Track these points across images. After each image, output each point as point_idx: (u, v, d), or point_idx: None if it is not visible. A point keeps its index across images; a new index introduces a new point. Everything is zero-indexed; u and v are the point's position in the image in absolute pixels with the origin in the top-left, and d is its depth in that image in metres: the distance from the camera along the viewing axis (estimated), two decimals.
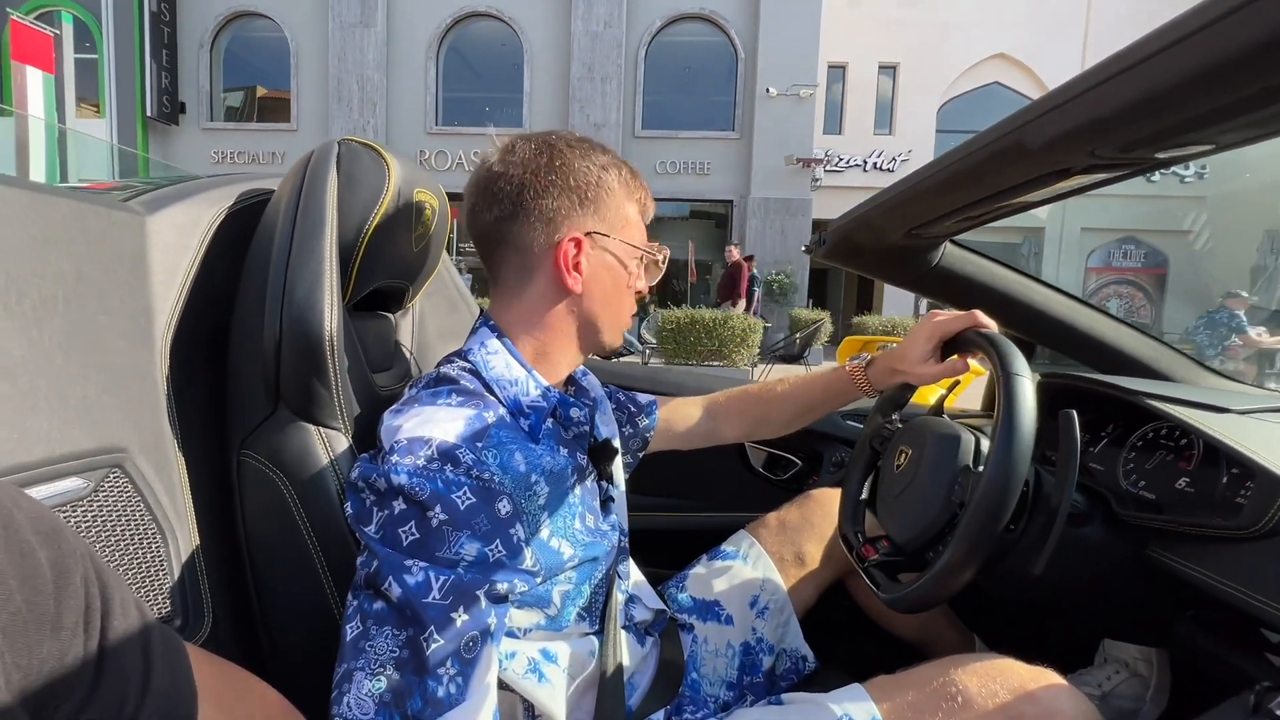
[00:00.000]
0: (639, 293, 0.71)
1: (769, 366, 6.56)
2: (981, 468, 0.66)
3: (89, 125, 10.83)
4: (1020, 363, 0.66)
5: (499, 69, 12.01)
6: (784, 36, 11.13)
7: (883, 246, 0.96)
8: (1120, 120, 0.47)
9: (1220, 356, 6.41)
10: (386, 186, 0.71)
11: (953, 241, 0.97)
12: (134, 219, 0.60)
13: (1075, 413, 0.66)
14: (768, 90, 11.12)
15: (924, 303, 13.73)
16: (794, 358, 6.62)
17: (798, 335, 6.80)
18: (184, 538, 0.58)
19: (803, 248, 1.14)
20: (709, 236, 12.53)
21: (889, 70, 13.90)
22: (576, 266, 0.64)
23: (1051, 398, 0.96)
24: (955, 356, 0.79)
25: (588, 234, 0.64)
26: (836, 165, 13.87)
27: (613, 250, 0.66)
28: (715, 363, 6.69)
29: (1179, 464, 0.78)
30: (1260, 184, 12.12)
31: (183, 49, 12.04)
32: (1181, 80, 0.40)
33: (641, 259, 0.69)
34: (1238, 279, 12.05)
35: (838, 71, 13.94)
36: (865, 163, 13.86)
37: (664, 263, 0.72)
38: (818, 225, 12.39)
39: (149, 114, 11.62)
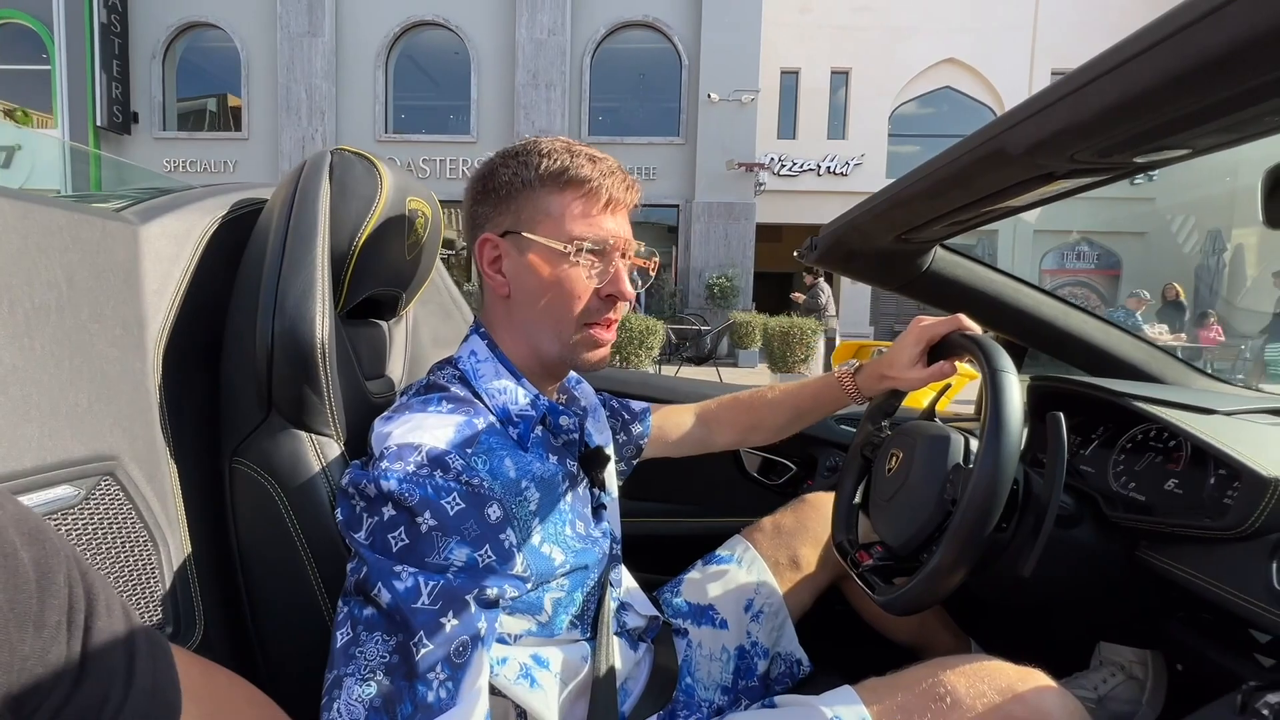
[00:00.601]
0: (610, 295, 0.65)
1: (676, 368, 6.60)
2: (972, 465, 0.67)
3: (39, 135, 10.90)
4: (1005, 360, 0.67)
5: (448, 77, 12.11)
6: (725, 43, 11.24)
7: (873, 251, 0.96)
8: (1096, 126, 0.47)
9: None
10: (379, 195, 0.71)
11: (943, 246, 0.98)
12: (127, 228, 0.61)
13: (1062, 415, 0.66)
14: (709, 96, 11.22)
15: (894, 306, 13.73)
16: (702, 359, 6.67)
17: (708, 336, 6.85)
18: (175, 545, 0.58)
19: (795, 253, 1.14)
20: (661, 239, 12.61)
21: (841, 75, 14.04)
22: (499, 270, 0.64)
23: (1041, 400, 1.00)
24: (942, 360, 0.80)
25: (503, 234, 0.63)
26: (790, 170, 13.99)
27: (533, 250, 0.63)
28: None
29: (1168, 465, 0.78)
30: (1205, 184, 12.22)
31: (134, 59, 12.13)
32: (1153, 86, 0.41)
33: (577, 255, 0.62)
34: (1185, 279, 12.16)
35: (791, 77, 14.08)
36: (819, 167, 13.97)
37: (624, 254, 0.66)
38: (761, 229, 12.49)
39: (100, 124, 11.70)
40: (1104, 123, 0.46)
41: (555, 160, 0.62)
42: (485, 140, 11.96)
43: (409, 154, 11.96)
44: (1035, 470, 0.72)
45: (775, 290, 17.59)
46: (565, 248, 0.62)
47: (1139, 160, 0.54)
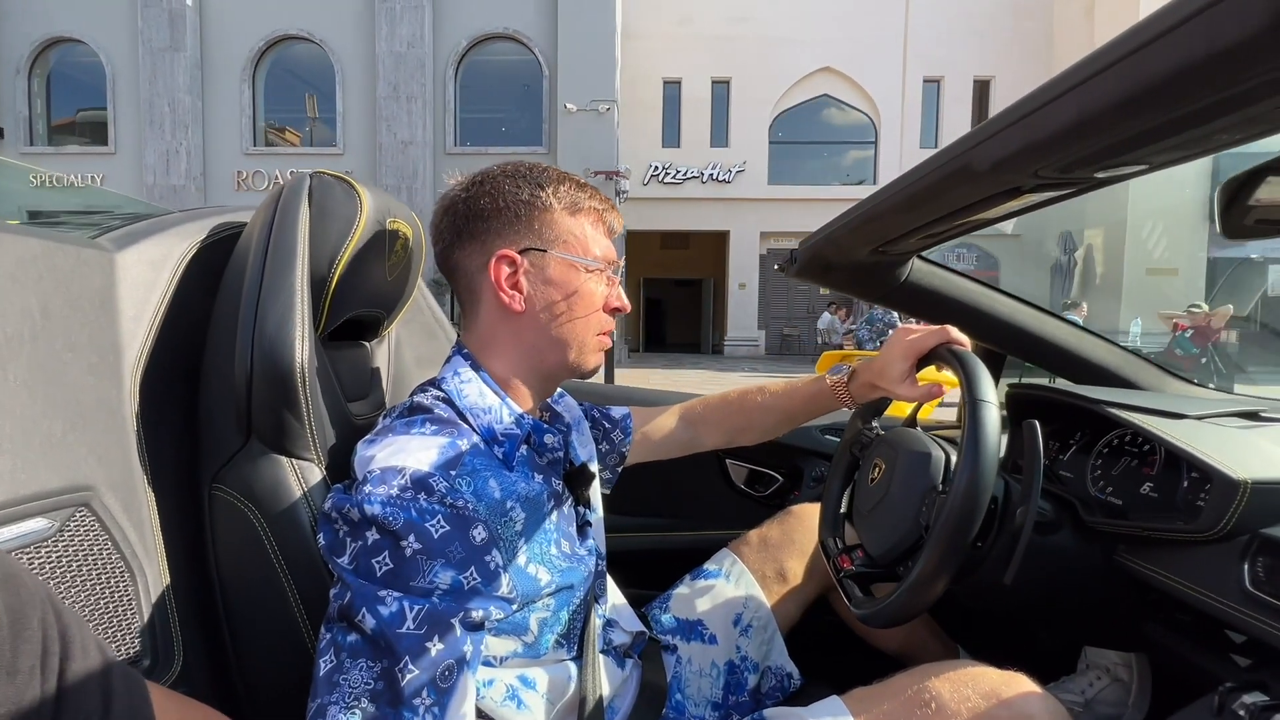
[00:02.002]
0: (613, 309, 0.70)
1: None
2: (946, 492, 0.67)
3: None
4: (987, 389, 0.67)
5: (314, 90, 12.18)
6: (581, 54, 11.45)
7: (851, 263, 0.97)
8: (1055, 144, 0.48)
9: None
10: (359, 217, 0.71)
11: (920, 257, 0.99)
12: (102, 255, 0.60)
13: (1038, 423, 0.67)
14: (566, 106, 11.39)
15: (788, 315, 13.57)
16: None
17: None
18: (153, 575, 0.57)
19: (775, 266, 1.14)
20: None
21: (722, 85, 14.32)
22: (514, 285, 0.64)
23: (1019, 407, 1.01)
24: (933, 373, 0.81)
25: (522, 251, 0.64)
26: (675, 178, 14.22)
27: (554, 267, 0.65)
28: None
29: (1143, 470, 0.79)
30: None
31: None
32: (1106, 108, 0.42)
33: (595, 274, 0.67)
34: (1046, 276, 12.49)
35: (673, 87, 14.34)
36: (703, 174, 14.22)
37: (616, 274, 0.71)
38: (629, 236, 12.65)
39: None
40: (1062, 141, 0.48)
41: (569, 188, 0.66)
42: (351, 152, 12.03)
43: (277, 166, 11.99)
44: (1013, 477, 0.72)
45: (687, 298, 17.80)
46: (591, 265, 0.66)
47: (1100, 175, 0.55)
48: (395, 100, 11.57)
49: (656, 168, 14.19)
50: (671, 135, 14.39)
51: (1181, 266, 11.52)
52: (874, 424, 0.91)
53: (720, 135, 14.39)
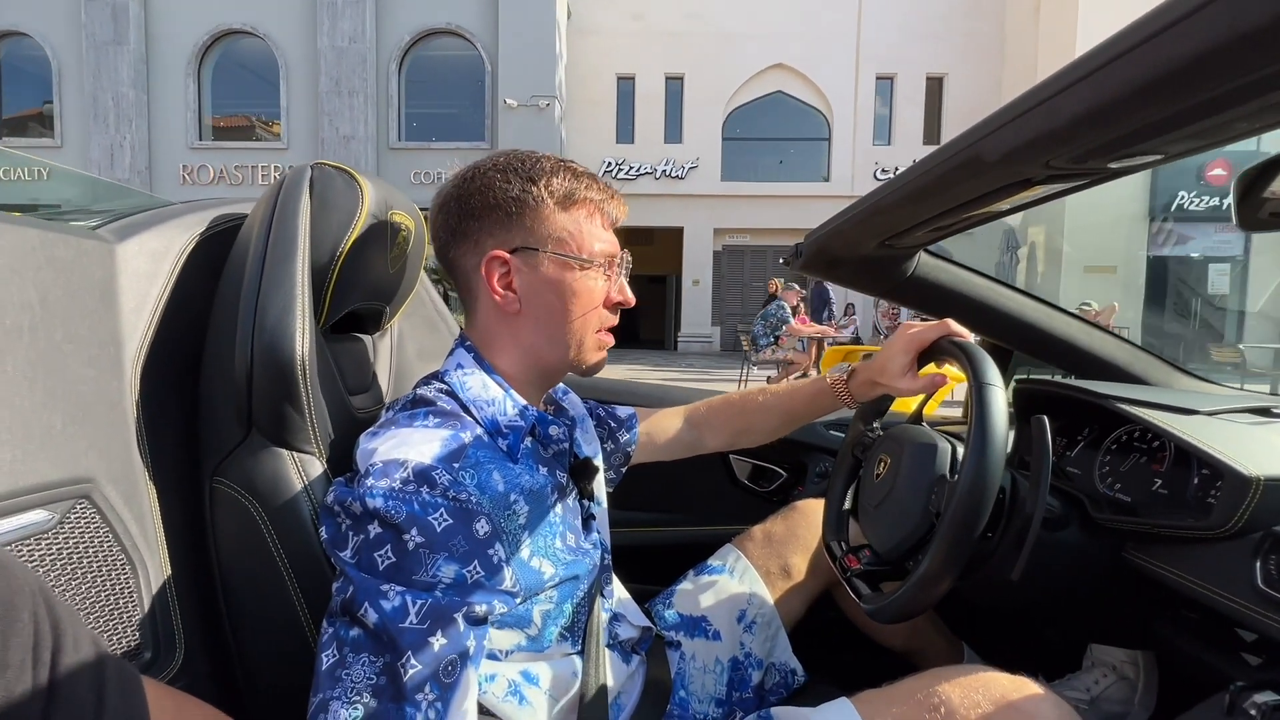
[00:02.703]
0: (617, 303, 0.69)
1: None
2: (956, 477, 0.66)
3: None
4: (992, 372, 0.66)
5: (259, 84, 12.20)
6: (522, 50, 11.47)
7: (857, 257, 0.96)
8: (1069, 133, 0.47)
9: (772, 345, 6.75)
10: (360, 209, 0.70)
11: (926, 251, 0.98)
12: (103, 247, 0.60)
13: (1046, 418, 0.66)
14: (506, 101, 11.41)
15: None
16: None
17: None
18: (154, 568, 0.57)
19: (780, 259, 1.14)
20: None
21: (676, 81, 14.31)
22: (508, 286, 0.63)
23: (1027, 403, 1.00)
24: (934, 369, 0.80)
25: (514, 250, 0.63)
26: (629, 174, 14.22)
27: (547, 266, 0.63)
28: None
29: (1152, 466, 0.78)
30: None
31: None
32: (1121, 95, 0.41)
33: (592, 270, 0.65)
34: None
35: (627, 83, 14.33)
36: (656, 170, 14.23)
37: (620, 266, 0.69)
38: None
39: None
40: (1076, 130, 0.47)
41: (564, 180, 0.64)
42: (296, 147, 12.05)
43: (221, 161, 12.02)
44: (1021, 473, 0.72)
45: (658, 294, 17.84)
46: (586, 262, 0.64)
47: (1113, 165, 0.54)
48: (337, 95, 11.60)
49: (610, 163, 14.19)
50: (625, 131, 14.38)
51: (1120, 264, 11.56)
52: (875, 425, 0.90)
53: (674, 131, 14.38)
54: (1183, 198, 11.65)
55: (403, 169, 11.87)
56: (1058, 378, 1.03)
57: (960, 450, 0.74)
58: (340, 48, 11.54)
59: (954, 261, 1.01)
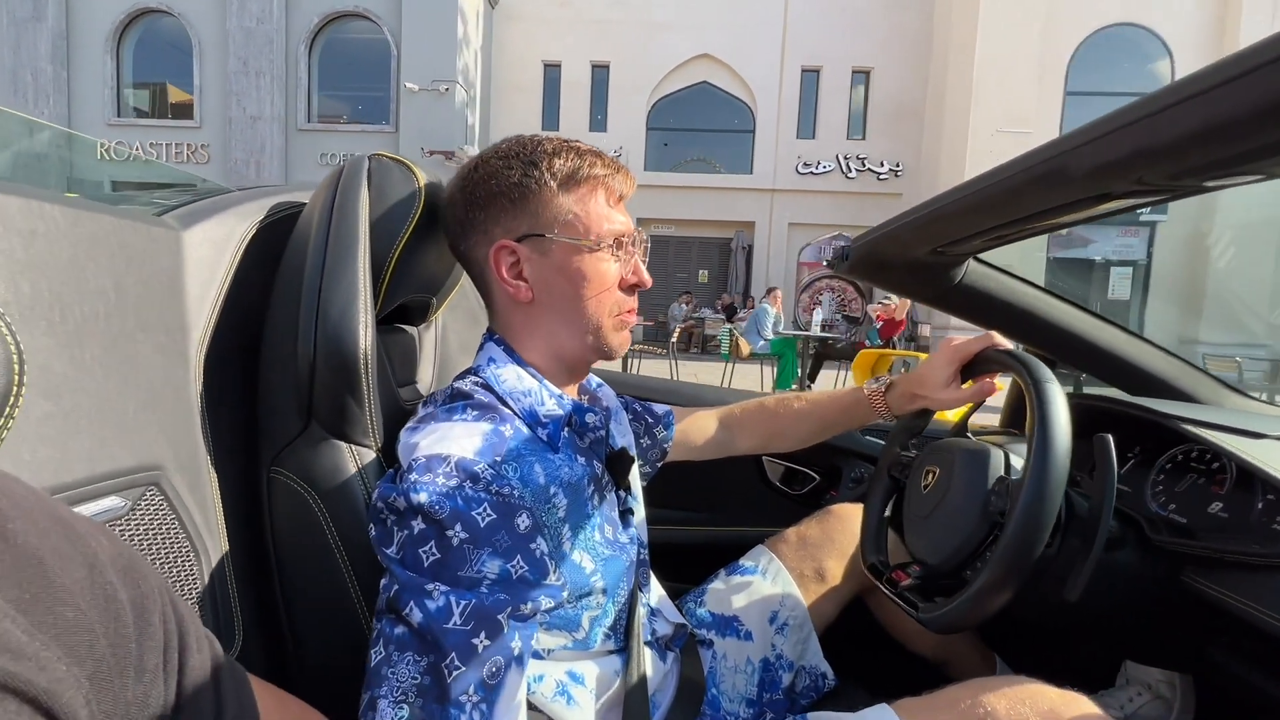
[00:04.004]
0: (634, 285, 0.67)
1: None
2: (1016, 477, 0.65)
3: None
4: (1047, 371, 0.66)
5: (174, 63, 12.42)
6: (423, 34, 11.56)
7: (906, 262, 0.95)
8: (1173, 150, 0.46)
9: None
10: (417, 201, 0.70)
11: (976, 259, 0.96)
12: (170, 234, 0.60)
13: (1110, 437, 0.66)
14: (406, 85, 11.53)
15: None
16: None
17: None
18: (216, 555, 0.58)
19: (825, 262, 1.30)
20: None
21: (602, 69, 14.32)
22: (519, 275, 0.63)
23: (1079, 419, 0.97)
24: (983, 379, 0.79)
25: (520, 238, 0.62)
26: None
27: (556, 251, 0.63)
28: None
29: (1211, 488, 0.76)
30: (947, 178, 12.48)
31: None
32: (1240, 116, 0.40)
33: (603, 251, 0.64)
34: None
35: (554, 70, 14.37)
36: None
37: (635, 245, 0.67)
38: None
39: None
40: (1182, 148, 0.45)
41: (566, 159, 0.62)
42: (208, 125, 12.27)
43: (137, 138, 12.28)
44: (1074, 490, 0.71)
45: None
46: (593, 245, 0.63)
47: (1209, 184, 0.53)
48: (245, 75, 11.78)
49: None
50: (551, 118, 14.42)
51: (1017, 265, 11.35)
52: (911, 445, 0.89)
53: (599, 120, 14.41)
54: None
55: (310, 150, 12.07)
56: (1108, 395, 1.01)
57: (1014, 457, 0.73)
58: (248, 28, 11.71)
59: (1001, 269, 0.98)
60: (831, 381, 6.91)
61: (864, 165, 13.70)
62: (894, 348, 6.51)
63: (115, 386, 0.51)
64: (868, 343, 6.68)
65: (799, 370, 6.60)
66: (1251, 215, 10.78)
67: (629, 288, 0.67)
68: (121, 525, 0.50)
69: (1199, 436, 0.77)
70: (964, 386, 0.80)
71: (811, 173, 13.85)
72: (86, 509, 0.47)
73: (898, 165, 13.59)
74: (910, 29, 13.46)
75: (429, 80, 11.50)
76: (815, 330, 7.21)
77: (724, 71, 14.14)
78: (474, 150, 12.25)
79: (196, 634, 0.32)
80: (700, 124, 14.52)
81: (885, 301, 6.72)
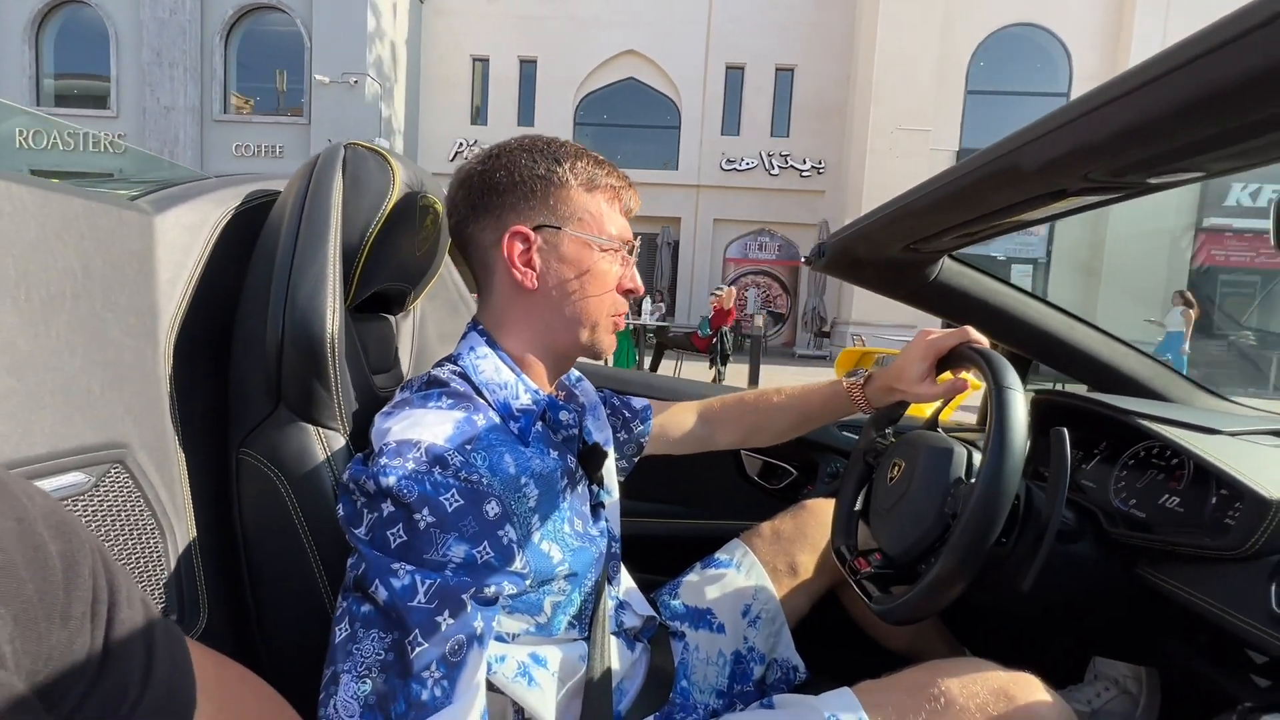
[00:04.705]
0: (626, 291, 0.70)
1: None
2: (973, 480, 0.67)
3: None
4: (1012, 376, 0.67)
5: (92, 53, 12.53)
6: (334, 27, 11.69)
7: (881, 260, 0.96)
8: (1110, 147, 0.47)
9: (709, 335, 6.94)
10: (391, 190, 0.71)
11: (950, 256, 0.97)
12: (142, 218, 0.61)
13: (1066, 430, 0.67)
14: (317, 77, 11.65)
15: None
16: None
17: None
18: (182, 534, 0.59)
19: (802, 259, 1.34)
20: None
21: (530, 64, 14.42)
22: (528, 262, 0.64)
23: (1044, 415, 1.00)
24: (953, 375, 0.80)
25: (536, 227, 0.63)
26: None
27: (567, 244, 0.64)
28: None
29: (1169, 483, 0.78)
30: (855, 177, 12.60)
31: None
32: (1169, 112, 0.41)
33: (610, 253, 0.66)
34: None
35: (482, 64, 14.48)
36: None
37: (632, 254, 0.70)
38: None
39: None
40: (1118, 144, 0.46)
41: (586, 164, 0.65)
42: (125, 116, 12.37)
43: (55, 127, 12.37)
44: (1036, 484, 0.72)
45: None
46: (605, 244, 0.65)
47: (1153, 181, 0.54)
48: (159, 66, 11.89)
49: (463, 144, 14.36)
50: (480, 112, 14.56)
51: None
52: (888, 432, 0.91)
53: (527, 114, 14.51)
54: None
55: (225, 140, 12.19)
56: (1075, 391, 1.01)
57: (976, 455, 0.74)
58: (161, 19, 11.82)
59: (976, 267, 0.99)
60: (671, 370, 7.07)
61: (787, 162, 13.81)
62: (724, 338, 6.64)
63: (81, 365, 0.51)
64: (700, 333, 6.81)
65: (636, 359, 6.75)
66: (1143, 226, 11.00)
67: (624, 292, 0.70)
68: (85, 501, 0.51)
69: (1157, 432, 0.78)
70: (939, 379, 0.82)
71: (735, 169, 13.97)
72: (48, 484, 0.47)
73: (820, 163, 13.71)
74: (832, 27, 13.57)
75: (340, 73, 11.60)
76: (646, 319, 7.35)
77: (650, 68, 14.25)
78: (385, 143, 12.39)
79: (129, 592, 0.32)
80: (627, 119, 14.63)
81: (717, 292, 6.86)
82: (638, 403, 0.94)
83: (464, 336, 0.68)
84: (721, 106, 14.21)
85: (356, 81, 11.52)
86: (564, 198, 0.64)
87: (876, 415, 0.91)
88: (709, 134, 14.12)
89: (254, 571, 0.65)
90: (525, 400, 0.65)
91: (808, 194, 13.77)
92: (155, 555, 0.56)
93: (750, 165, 13.91)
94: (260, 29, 12.40)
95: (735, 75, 14.21)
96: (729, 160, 13.89)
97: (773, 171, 13.90)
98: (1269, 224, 0.61)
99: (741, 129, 14.09)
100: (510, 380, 0.65)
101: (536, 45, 14.21)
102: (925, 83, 11.76)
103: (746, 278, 14.58)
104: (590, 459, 0.72)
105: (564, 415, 0.69)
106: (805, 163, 13.75)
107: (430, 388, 0.63)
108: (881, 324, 11.89)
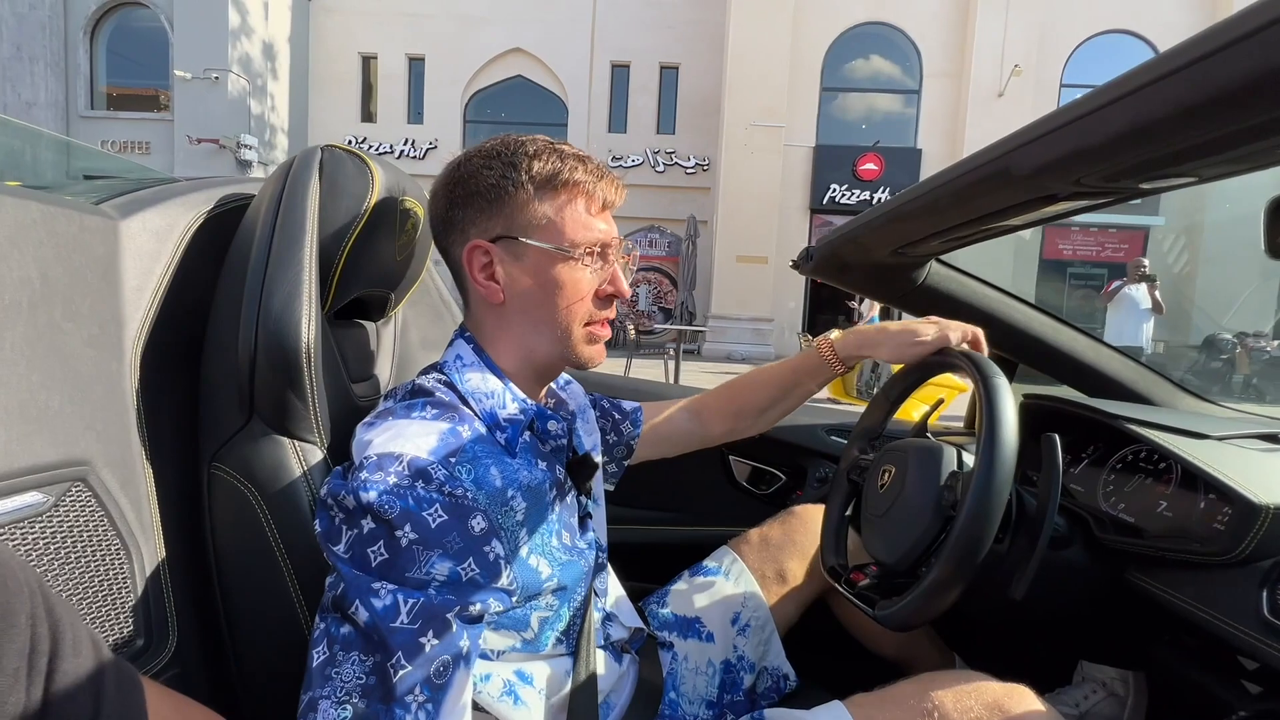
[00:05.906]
0: (610, 295, 0.66)
1: None
2: (968, 470, 0.66)
3: None
4: (995, 367, 0.68)
5: None
6: (195, 22, 11.69)
7: (869, 263, 0.96)
8: (1105, 151, 0.47)
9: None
10: (370, 194, 0.69)
11: (938, 260, 0.97)
12: (106, 223, 0.58)
13: (1057, 436, 0.67)
14: (178, 73, 11.64)
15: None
16: None
17: None
18: (149, 553, 0.56)
19: (790, 262, 1.13)
20: None
21: (418, 62, 14.50)
22: (491, 276, 0.62)
23: (1033, 419, 0.98)
24: (931, 369, 0.81)
25: (494, 239, 0.61)
26: (372, 152, 14.30)
27: (529, 255, 0.62)
28: None
29: (1158, 488, 0.77)
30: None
31: None
32: (1164, 116, 0.40)
33: (578, 260, 0.62)
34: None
35: (370, 62, 14.53)
36: (396, 150, 14.44)
37: (623, 252, 0.67)
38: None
39: None
40: (1112, 149, 0.46)
41: (546, 163, 0.61)
42: None
43: None
44: (1026, 489, 0.72)
45: None
46: (566, 252, 0.61)
47: (1145, 186, 0.54)
48: (19, 61, 11.82)
49: (351, 141, 14.39)
50: (368, 110, 14.60)
51: (773, 255, 11.79)
52: (868, 449, 0.91)
53: (416, 112, 14.58)
54: (835, 191, 11.91)
55: (92, 136, 12.12)
56: (1063, 395, 1.02)
57: (966, 455, 0.74)
58: (21, 14, 11.76)
59: (964, 271, 1.00)
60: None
61: (672, 160, 14.00)
62: (621, 330, 6.76)
63: (39, 379, 0.49)
64: None
65: None
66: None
67: (605, 297, 0.66)
68: (43, 522, 0.48)
69: (1145, 437, 0.78)
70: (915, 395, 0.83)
71: (622, 166, 14.10)
72: (2, 504, 0.45)
73: (705, 160, 13.91)
74: (710, 25, 13.78)
75: (202, 69, 11.60)
76: None
77: (537, 66, 14.38)
78: (252, 139, 12.40)
79: (74, 638, 0.31)
80: (516, 117, 14.74)
81: None
82: (628, 405, 0.92)
83: (450, 344, 0.67)
84: (608, 104, 14.37)
85: (218, 78, 11.52)
86: (519, 205, 0.61)
87: (858, 432, 0.92)
88: (596, 131, 14.26)
89: (226, 592, 0.62)
90: (513, 409, 0.63)
91: (693, 190, 13.96)
92: (120, 577, 0.54)
93: (636, 162, 14.07)
94: (126, 24, 12.36)
95: (621, 73, 14.39)
96: (615, 157, 14.03)
97: (659, 169, 14.08)
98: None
99: (628, 126, 14.26)
100: (497, 389, 0.63)
101: (424, 43, 14.29)
102: (778, 79, 11.98)
103: (638, 274, 14.74)
104: (580, 470, 0.69)
105: (553, 425, 0.66)
106: (690, 160, 13.95)
107: (414, 397, 0.61)
108: (740, 317, 12.13)
